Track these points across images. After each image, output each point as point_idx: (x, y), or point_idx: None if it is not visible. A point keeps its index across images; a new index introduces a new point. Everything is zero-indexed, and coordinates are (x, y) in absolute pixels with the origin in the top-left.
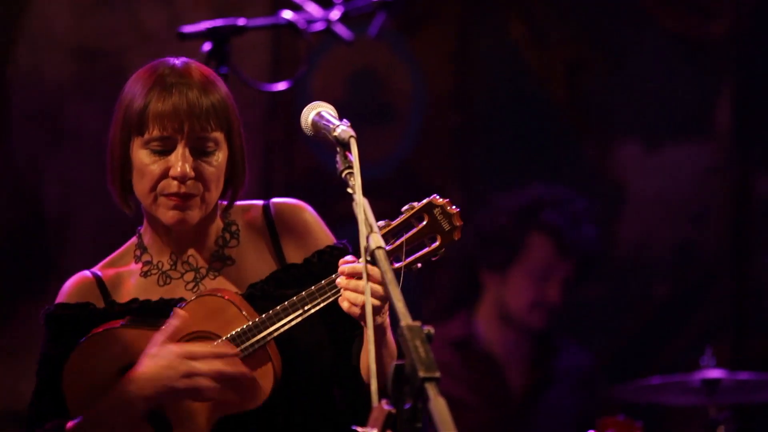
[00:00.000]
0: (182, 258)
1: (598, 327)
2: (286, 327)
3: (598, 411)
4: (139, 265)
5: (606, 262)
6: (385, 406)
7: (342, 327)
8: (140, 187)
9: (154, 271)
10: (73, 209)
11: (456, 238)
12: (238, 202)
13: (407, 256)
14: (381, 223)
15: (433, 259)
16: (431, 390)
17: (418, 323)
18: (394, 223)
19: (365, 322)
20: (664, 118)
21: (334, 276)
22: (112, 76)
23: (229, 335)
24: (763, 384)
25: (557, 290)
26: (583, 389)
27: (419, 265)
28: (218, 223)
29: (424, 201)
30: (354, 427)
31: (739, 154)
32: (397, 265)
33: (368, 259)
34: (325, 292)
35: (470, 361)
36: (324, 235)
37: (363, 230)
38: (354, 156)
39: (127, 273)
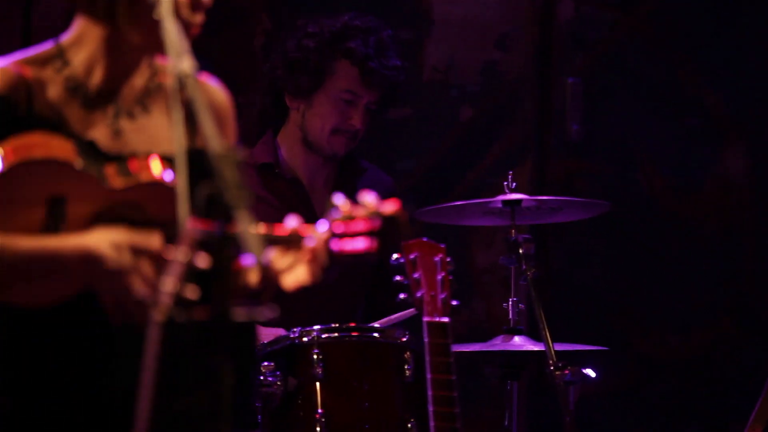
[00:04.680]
0: (113, 84)
1: (403, 149)
2: None
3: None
4: (62, 77)
5: (412, 86)
6: (194, 228)
7: None
8: None
9: (80, 92)
10: None
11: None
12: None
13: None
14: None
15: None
16: (241, 214)
17: (225, 148)
18: None
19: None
20: None
21: None
22: None
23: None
24: (560, 205)
25: (360, 117)
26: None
27: None
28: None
29: None
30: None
31: None
32: None
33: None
34: None
35: (275, 185)
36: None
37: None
38: None
39: (49, 78)
